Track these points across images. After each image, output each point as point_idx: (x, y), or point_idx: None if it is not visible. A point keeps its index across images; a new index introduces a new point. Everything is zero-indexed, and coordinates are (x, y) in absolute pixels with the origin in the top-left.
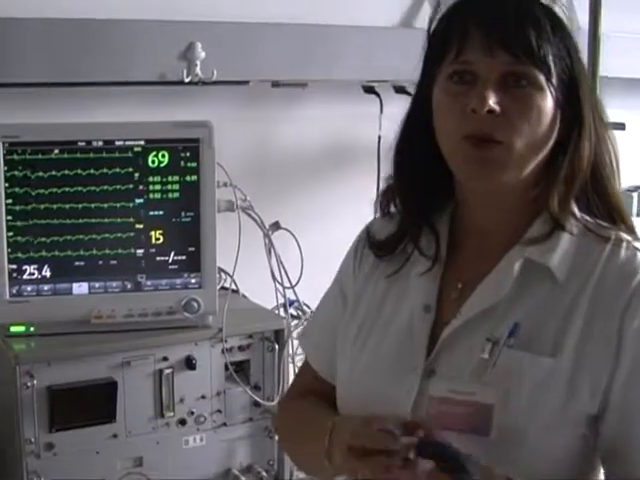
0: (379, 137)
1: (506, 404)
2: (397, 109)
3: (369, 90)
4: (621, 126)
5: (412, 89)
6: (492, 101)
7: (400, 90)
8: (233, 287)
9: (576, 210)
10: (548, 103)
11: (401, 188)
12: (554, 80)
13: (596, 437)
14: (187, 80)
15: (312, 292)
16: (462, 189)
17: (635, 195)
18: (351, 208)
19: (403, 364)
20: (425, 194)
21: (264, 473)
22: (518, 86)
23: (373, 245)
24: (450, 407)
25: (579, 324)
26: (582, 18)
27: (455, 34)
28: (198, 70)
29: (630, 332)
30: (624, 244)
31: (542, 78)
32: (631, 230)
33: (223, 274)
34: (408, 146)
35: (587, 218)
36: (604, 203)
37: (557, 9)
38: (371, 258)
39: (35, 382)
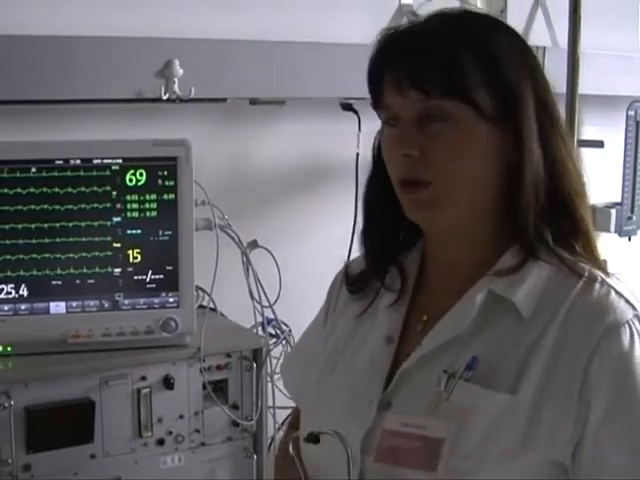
0: (357, 154)
1: (457, 440)
2: (375, 126)
3: (347, 107)
4: (599, 144)
5: None
6: (406, 145)
7: None
8: (211, 306)
9: (550, 241)
10: (474, 133)
11: (365, 230)
12: (480, 107)
13: None
14: (165, 97)
15: (290, 310)
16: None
17: (613, 212)
18: (329, 226)
19: (362, 396)
20: (391, 233)
21: None
22: (437, 122)
23: (348, 282)
24: (401, 441)
25: (542, 362)
26: (561, 36)
27: (374, 77)
28: (176, 87)
29: (598, 377)
30: (597, 282)
31: (462, 108)
32: (596, 262)
33: (201, 292)
34: (374, 182)
35: (562, 251)
36: (572, 229)
37: (496, 30)
38: (346, 295)
39: (12, 402)
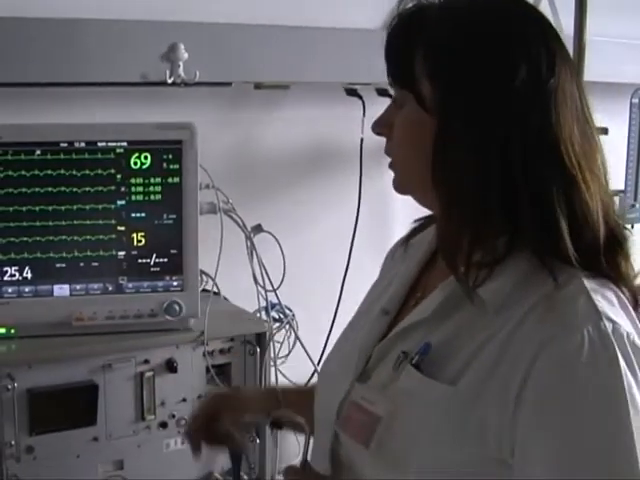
0: (361, 139)
1: (392, 421)
2: (380, 111)
3: (351, 92)
4: (604, 131)
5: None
6: (375, 122)
7: (383, 93)
8: (215, 290)
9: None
10: (417, 123)
11: None
12: (425, 100)
13: None
14: (170, 81)
15: (294, 295)
16: None
17: (617, 199)
18: (334, 210)
19: (350, 364)
20: None
21: (245, 477)
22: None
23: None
24: (355, 413)
25: (489, 357)
26: (567, 22)
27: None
28: (181, 71)
29: (536, 380)
30: (572, 285)
31: (411, 100)
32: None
33: (205, 276)
34: None
35: (543, 253)
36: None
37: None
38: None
39: (15, 385)
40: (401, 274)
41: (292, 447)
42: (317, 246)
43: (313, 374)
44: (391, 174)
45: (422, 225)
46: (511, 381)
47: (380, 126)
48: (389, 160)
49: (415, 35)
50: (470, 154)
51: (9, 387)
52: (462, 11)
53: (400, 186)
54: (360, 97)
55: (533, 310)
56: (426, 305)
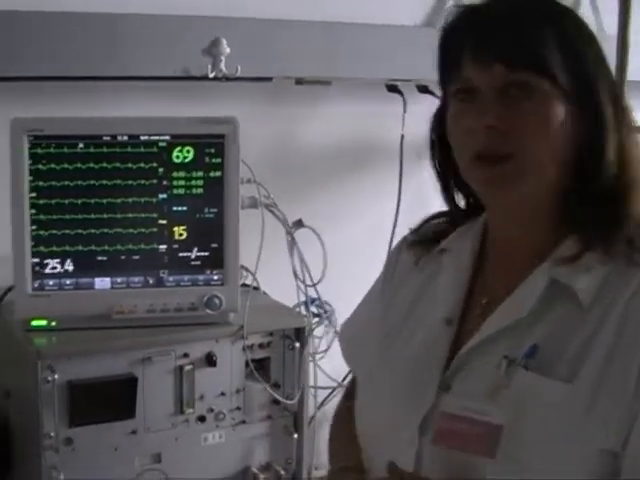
0: (402, 136)
1: (516, 427)
2: (420, 108)
3: (392, 89)
4: None
5: (435, 89)
6: (490, 116)
7: (423, 89)
8: (254, 284)
9: (611, 230)
10: (556, 109)
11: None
12: (562, 84)
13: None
14: (211, 76)
15: (333, 290)
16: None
17: None
18: (373, 207)
19: (420, 377)
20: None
21: (282, 472)
22: (520, 96)
23: (410, 245)
24: (459, 425)
25: (600, 351)
26: (610, 22)
27: (452, 50)
28: (222, 66)
29: None
30: None
31: (546, 84)
32: None
33: (244, 271)
34: (434, 154)
35: (620, 243)
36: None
37: (571, 14)
38: (405, 266)
39: (56, 377)
40: (448, 281)
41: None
42: (357, 241)
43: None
44: (430, 171)
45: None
46: (629, 370)
47: (496, 119)
48: (494, 151)
49: (544, 21)
50: (610, 132)
51: (49, 379)
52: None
53: (519, 176)
54: (401, 93)
55: (632, 301)
56: (517, 306)
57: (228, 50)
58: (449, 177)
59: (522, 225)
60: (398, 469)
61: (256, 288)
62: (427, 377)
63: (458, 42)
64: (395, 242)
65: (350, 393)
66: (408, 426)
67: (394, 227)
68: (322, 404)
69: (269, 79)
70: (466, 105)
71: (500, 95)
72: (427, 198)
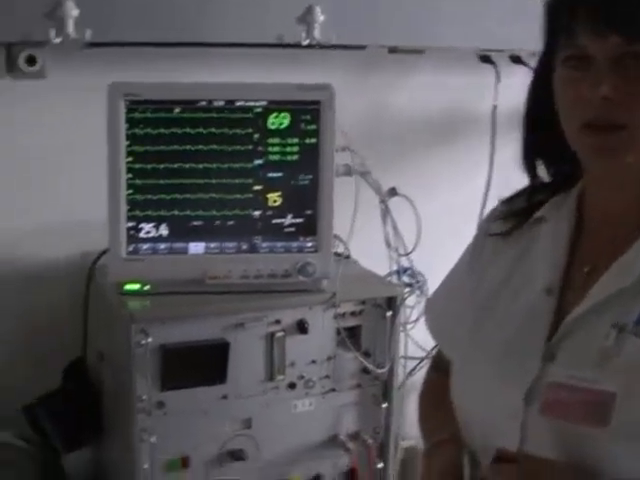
0: (494, 107)
1: (629, 394)
2: (513, 79)
3: (485, 59)
4: None
5: (528, 59)
6: (606, 87)
7: (516, 60)
8: (346, 253)
9: None
10: None
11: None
12: None
13: None
14: (305, 43)
15: (426, 260)
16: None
17: None
18: (465, 178)
19: (522, 348)
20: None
21: (370, 440)
22: (635, 66)
23: (502, 216)
24: (567, 394)
25: None
26: None
27: (564, 17)
28: (316, 33)
29: None
30: None
31: None
32: None
33: (336, 239)
34: (532, 121)
35: None
36: None
37: None
38: (495, 239)
39: (149, 340)
40: (546, 251)
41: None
42: (448, 212)
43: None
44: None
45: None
46: None
47: (613, 89)
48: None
49: None
50: None
51: (142, 342)
52: None
53: (630, 146)
54: (494, 64)
55: None
56: (624, 273)
57: (322, 17)
58: (540, 147)
59: (625, 194)
60: (509, 452)
61: (347, 257)
62: (530, 348)
63: (571, 9)
64: (485, 215)
65: (437, 365)
66: (512, 398)
67: (484, 199)
68: (410, 374)
69: (363, 47)
70: (579, 73)
71: (615, 65)
72: (518, 170)
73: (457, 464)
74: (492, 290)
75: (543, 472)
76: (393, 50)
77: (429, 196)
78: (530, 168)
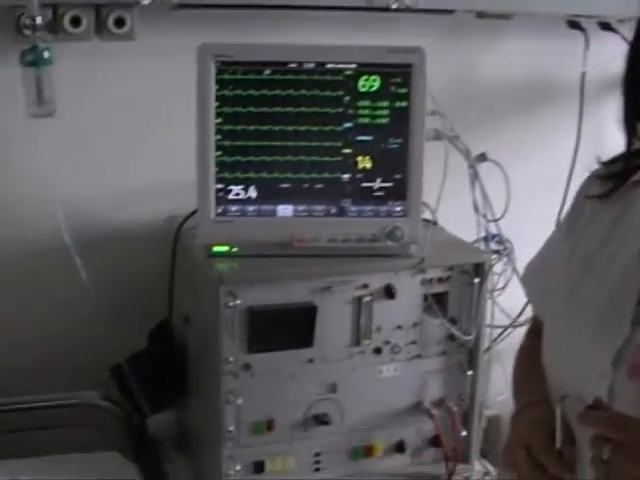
0: (583, 74)
1: None
2: (602, 46)
3: (574, 25)
4: None
5: (618, 26)
6: None
7: (605, 27)
8: (433, 219)
9: None
10: None
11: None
12: None
13: None
14: (394, 7)
15: (514, 227)
16: None
17: None
18: (553, 145)
19: (613, 312)
20: None
21: (455, 408)
22: None
23: (600, 177)
24: None
25: None
26: None
27: None
28: None
29: None
30: None
31: None
32: None
33: (423, 205)
34: (632, 83)
35: None
36: None
37: None
38: (592, 203)
39: (237, 302)
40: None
41: (501, 379)
42: (537, 179)
43: (525, 307)
44: (611, 111)
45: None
46: None
47: None
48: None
49: None
50: None
51: (231, 304)
52: None
53: None
54: (583, 30)
55: None
56: None
57: None
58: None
59: None
60: (603, 403)
61: (435, 223)
62: (621, 311)
63: None
64: (572, 183)
65: (533, 331)
66: (601, 360)
67: (572, 167)
68: (495, 340)
69: (451, 12)
70: None
71: None
72: (605, 135)
73: (548, 421)
74: (587, 256)
75: (632, 425)
76: (481, 15)
77: (517, 162)
78: (629, 131)
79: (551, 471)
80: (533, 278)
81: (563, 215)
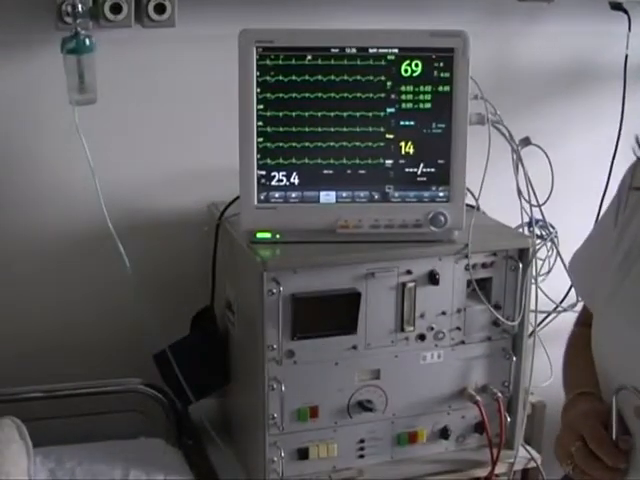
0: (626, 56)
1: None
2: None
3: (616, 7)
4: None
5: None
6: None
7: None
8: (476, 204)
9: None
10: None
11: None
12: None
13: None
14: None
15: (557, 212)
16: None
17: None
18: (596, 127)
19: None
20: None
21: (499, 394)
22: None
23: None
24: None
25: None
26: None
27: None
28: None
29: None
30: None
31: None
32: None
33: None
34: None
35: None
36: None
37: None
38: (638, 193)
39: (281, 289)
40: None
41: (545, 365)
42: (580, 164)
43: (568, 292)
44: None
45: None
46: None
47: None
48: None
49: None
50: None
51: (274, 291)
52: None
53: None
54: (626, 12)
55: None
56: None
57: None
58: None
59: None
60: None
61: (478, 208)
62: None
63: None
64: (615, 167)
65: (582, 320)
66: None
67: (615, 151)
68: (539, 326)
69: None
70: None
71: None
72: None
73: (600, 412)
74: (630, 248)
75: None
76: None
77: (560, 146)
78: None
79: (607, 462)
80: (579, 269)
81: (607, 204)
